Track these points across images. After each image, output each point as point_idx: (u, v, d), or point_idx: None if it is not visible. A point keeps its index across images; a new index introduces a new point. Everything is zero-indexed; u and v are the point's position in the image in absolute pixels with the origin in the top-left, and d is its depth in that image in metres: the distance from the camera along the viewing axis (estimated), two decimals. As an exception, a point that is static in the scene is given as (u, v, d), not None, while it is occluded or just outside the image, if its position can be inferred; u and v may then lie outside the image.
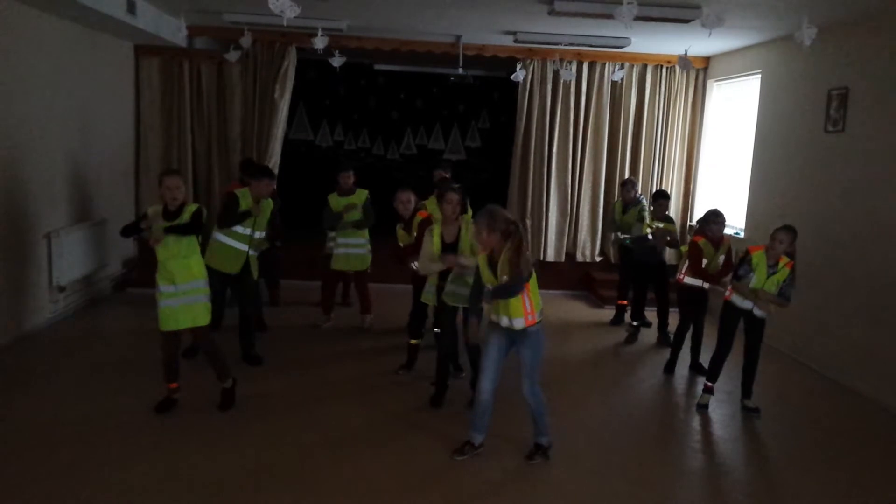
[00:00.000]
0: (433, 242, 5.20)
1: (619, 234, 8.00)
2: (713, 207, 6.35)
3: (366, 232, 7.18)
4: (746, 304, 5.47)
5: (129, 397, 5.22)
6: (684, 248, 6.63)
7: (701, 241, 6.18)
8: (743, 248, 5.71)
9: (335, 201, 7.09)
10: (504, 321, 4.36)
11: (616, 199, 8.57)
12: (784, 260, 5.31)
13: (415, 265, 5.75)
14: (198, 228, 4.90)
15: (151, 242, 4.80)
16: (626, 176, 9.51)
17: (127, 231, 4.99)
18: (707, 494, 4.35)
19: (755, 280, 5.36)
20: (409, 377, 5.96)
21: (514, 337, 4.40)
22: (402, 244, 5.99)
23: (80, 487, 3.95)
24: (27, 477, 4.04)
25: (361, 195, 7.15)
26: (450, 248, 5.17)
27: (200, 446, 4.53)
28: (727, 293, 5.63)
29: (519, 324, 4.33)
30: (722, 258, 6.18)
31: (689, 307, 6.45)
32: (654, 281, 7.40)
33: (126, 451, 4.41)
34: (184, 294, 4.88)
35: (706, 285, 6.28)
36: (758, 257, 5.38)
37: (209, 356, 5.13)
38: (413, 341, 6.03)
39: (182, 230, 4.82)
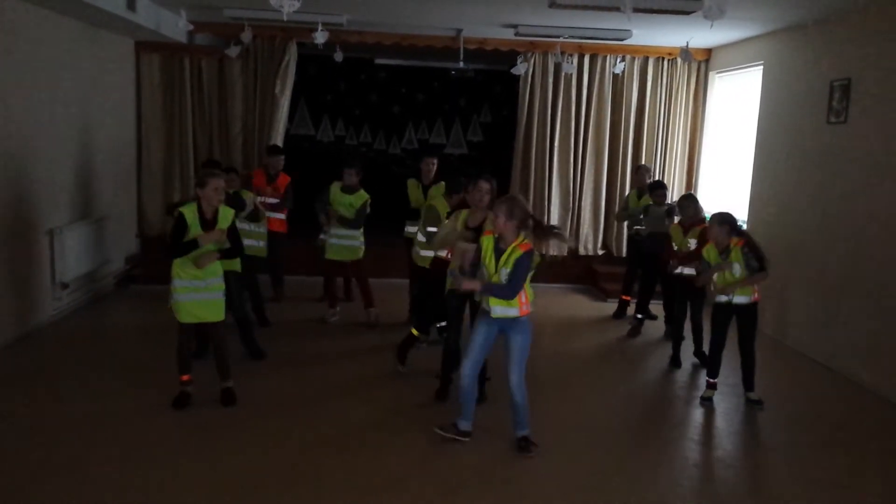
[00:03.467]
0: (458, 222, 5.14)
1: (634, 225, 7.88)
2: (685, 192, 6.63)
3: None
4: (722, 298, 5.50)
5: (131, 395, 5.23)
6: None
7: (672, 226, 6.62)
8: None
9: (336, 193, 7.08)
10: (497, 311, 4.42)
11: (630, 189, 8.40)
12: (733, 241, 5.39)
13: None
14: (240, 247, 5.05)
15: (199, 264, 4.78)
16: (629, 168, 9.47)
17: (183, 249, 4.77)
18: (708, 486, 4.35)
19: (717, 275, 5.46)
20: (408, 369, 5.91)
21: (504, 325, 4.47)
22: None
23: (81, 486, 3.96)
24: (29, 475, 4.05)
25: (361, 197, 7.09)
26: (473, 231, 5.08)
27: (203, 444, 4.54)
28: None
29: (513, 312, 4.42)
30: (693, 242, 6.28)
31: (683, 297, 6.49)
32: (663, 273, 7.29)
33: (128, 449, 4.42)
34: (207, 289, 4.91)
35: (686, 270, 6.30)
36: (706, 252, 5.50)
37: (220, 353, 5.14)
38: (416, 333, 5.90)
39: (230, 254, 4.94)
